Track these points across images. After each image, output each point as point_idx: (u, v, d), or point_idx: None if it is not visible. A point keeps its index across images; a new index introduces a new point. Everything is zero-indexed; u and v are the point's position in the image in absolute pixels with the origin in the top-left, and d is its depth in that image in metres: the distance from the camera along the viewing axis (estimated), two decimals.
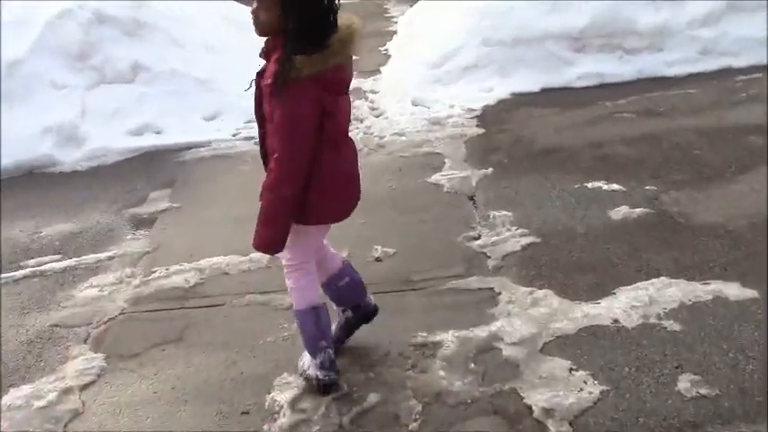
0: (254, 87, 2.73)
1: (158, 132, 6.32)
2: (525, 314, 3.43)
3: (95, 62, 6.51)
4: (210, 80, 6.71)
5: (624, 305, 3.41)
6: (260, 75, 2.68)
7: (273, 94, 2.55)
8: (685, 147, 5.16)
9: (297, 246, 2.86)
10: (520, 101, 6.51)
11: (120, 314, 3.78)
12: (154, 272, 4.14)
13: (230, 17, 7.81)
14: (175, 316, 3.71)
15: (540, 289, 3.63)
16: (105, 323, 3.71)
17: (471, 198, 4.73)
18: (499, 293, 3.64)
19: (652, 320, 3.27)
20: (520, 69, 6.77)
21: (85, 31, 6.56)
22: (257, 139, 2.87)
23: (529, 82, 6.67)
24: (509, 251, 4.03)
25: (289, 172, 2.63)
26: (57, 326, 3.72)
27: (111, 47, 6.65)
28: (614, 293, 3.52)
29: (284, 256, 2.90)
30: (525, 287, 3.67)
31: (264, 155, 2.78)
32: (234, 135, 6.30)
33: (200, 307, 3.76)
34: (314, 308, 2.95)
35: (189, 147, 6.15)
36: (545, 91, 6.65)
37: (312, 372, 2.98)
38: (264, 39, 2.63)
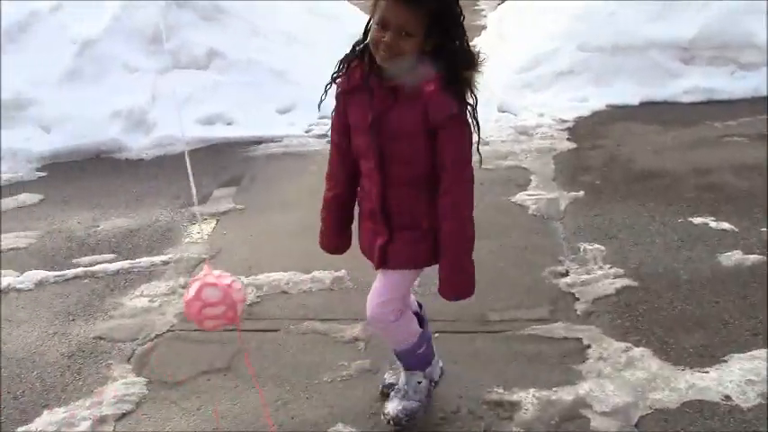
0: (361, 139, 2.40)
1: (229, 123, 6.04)
2: (619, 377, 2.98)
3: (171, 46, 6.26)
4: (287, 71, 6.38)
5: (738, 378, 2.92)
6: (379, 114, 2.31)
7: (454, 126, 2.28)
8: None
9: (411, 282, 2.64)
10: (617, 114, 5.98)
11: (168, 331, 3.48)
12: None
13: (314, 7, 7.46)
14: (226, 339, 3.38)
15: (637, 346, 3.17)
16: (152, 340, 3.42)
17: (560, 222, 4.27)
18: (588, 346, 3.20)
19: None
20: (619, 79, 6.23)
21: (163, 13, 6.31)
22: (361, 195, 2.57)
23: (628, 93, 6.12)
24: (601, 294, 3.57)
25: (472, 196, 2.40)
26: (101, 338, 3.45)
27: (188, 31, 6.40)
28: (725, 361, 3.03)
29: (394, 294, 2.56)
30: (619, 341, 3.21)
31: (385, 214, 2.43)
32: (307, 131, 5.97)
33: (254, 330, 3.43)
34: (422, 333, 2.75)
35: (260, 141, 5.85)
36: (645, 105, 6.10)
37: (431, 377, 2.85)
38: (385, 65, 2.26)
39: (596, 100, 6.11)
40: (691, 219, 4.23)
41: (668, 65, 6.24)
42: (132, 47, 6.23)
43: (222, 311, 1.57)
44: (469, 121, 2.29)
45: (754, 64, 6.19)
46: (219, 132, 5.91)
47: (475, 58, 2.23)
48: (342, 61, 2.37)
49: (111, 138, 5.83)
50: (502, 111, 6.06)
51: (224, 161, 5.52)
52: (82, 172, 5.54)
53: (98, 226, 4.62)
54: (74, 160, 5.75)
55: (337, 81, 2.37)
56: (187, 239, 4.35)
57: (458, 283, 2.45)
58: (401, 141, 2.28)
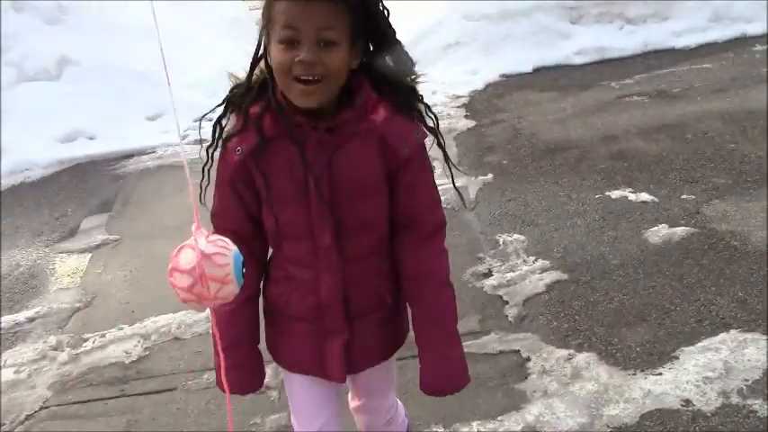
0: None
1: (92, 138, 5.38)
2: (567, 393, 2.66)
3: (13, 57, 5.49)
4: (151, 72, 5.73)
5: (694, 377, 2.65)
6: (321, 168, 1.57)
7: (421, 156, 1.63)
8: (716, 139, 4.41)
9: None
10: (511, 83, 5.69)
11: (41, 408, 2.92)
12: (86, 340, 3.27)
13: None
14: (113, 408, 2.87)
15: (580, 351, 2.86)
16: (22, 423, 2.85)
17: (473, 213, 3.93)
18: (528, 359, 2.87)
19: (734, 400, 2.52)
20: (509, 46, 5.94)
21: None
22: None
23: (520, 60, 5.84)
24: (531, 293, 3.25)
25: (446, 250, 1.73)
26: None
27: (31, 38, 5.63)
28: (677, 357, 2.76)
29: (388, 400, 2.00)
30: (560, 348, 2.90)
31: (344, 305, 1.68)
32: (183, 138, 5.38)
33: (145, 393, 2.92)
34: None
35: (130, 154, 5.22)
36: (539, 70, 5.83)
37: None
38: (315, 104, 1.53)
39: (488, 71, 5.79)
40: (608, 193, 3.97)
41: (556, 26, 6.00)
42: None
43: (189, 284, 1.13)
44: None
45: (641, 17, 6.02)
46: (82, 150, 5.25)
47: (412, 59, 1.63)
48: (227, 112, 1.60)
49: None
50: None
51: (91, 183, 4.88)
52: None
53: None
54: None
55: (232, 141, 1.56)
56: (55, 286, 3.75)
57: (450, 374, 1.74)
58: (358, 198, 1.59)
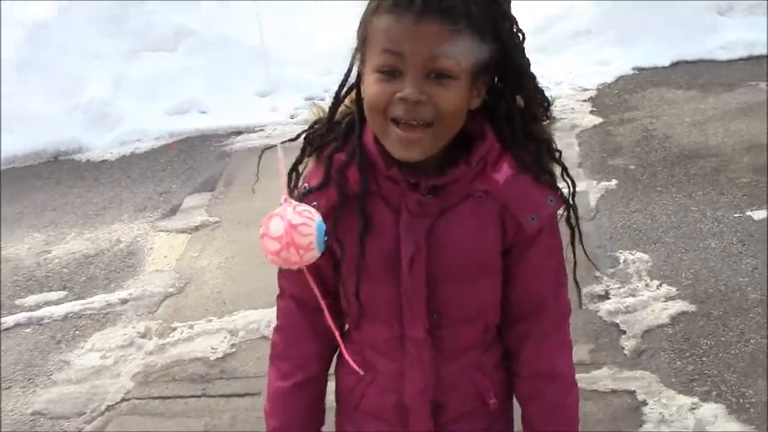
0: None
1: (203, 112, 5.32)
2: None
3: (133, 26, 5.49)
4: (266, 48, 5.61)
5: None
6: (420, 240, 1.24)
7: (552, 231, 1.30)
8: None
9: None
10: (645, 78, 5.20)
11: (123, 400, 2.84)
12: (174, 330, 3.18)
13: None
14: (192, 409, 2.76)
15: (706, 401, 2.52)
16: (102, 414, 2.78)
17: (592, 223, 3.58)
18: (644, 402, 2.55)
19: None
20: (645, 37, 5.43)
21: None
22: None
23: (657, 53, 5.33)
24: (652, 324, 2.91)
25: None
26: (40, 414, 2.82)
27: (152, 8, 5.61)
28: None
29: None
30: (682, 394, 2.57)
31: (432, 407, 1.35)
32: (292, 117, 5.24)
33: (227, 396, 2.79)
34: None
35: (238, 131, 5.11)
36: (677, 65, 5.30)
37: None
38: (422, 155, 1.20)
39: (620, 62, 5.33)
40: (749, 213, 3.52)
41: (701, 17, 5.44)
42: (89, 28, 5.47)
43: (277, 249, 1.19)
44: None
45: None
46: (192, 123, 5.19)
47: (549, 99, 1.26)
48: (304, 155, 1.30)
49: (70, 136, 5.13)
50: None
51: (197, 159, 4.81)
52: (38, 179, 4.85)
53: (50, 252, 3.95)
54: (29, 165, 5.06)
55: (309, 197, 1.26)
56: (152, 267, 3.68)
57: None
58: (464, 279, 1.26)
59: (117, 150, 5.06)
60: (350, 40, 1.27)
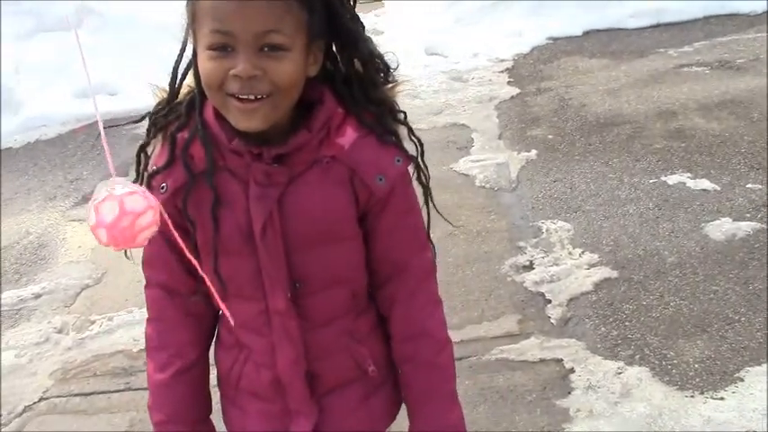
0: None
1: (113, 94, 5.10)
2: (616, 414, 2.38)
3: (29, 6, 5.20)
4: (176, 25, 5.43)
5: (761, 404, 2.34)
6: (270, 210, 1.21)
7: (404, 190, 1.28)
8: None
9: None
10: (559, 47, 5.27)
11: (41, 399, 2.72)
12: (92, 323, 3.05)
13: None
14: (116, 404, 2.66)
15: (631, 365, 2.57)
16: (20, 415, 2.65)
17: (513, 194, 3.61)
18: (572, 370, 2.59)
19: None
20: (557, 5, 5.49)
21: None
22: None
23: (569, 22, 5.41)
24: (576, 292, 2.95)
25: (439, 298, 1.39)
26: None
27: None
28: (741, 379, 2.45)
29: None
30: (608, 359, 2.61)
31: (307, 379, 1.32)
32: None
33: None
34: None
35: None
36: (590, 34, 5.40)
37: None
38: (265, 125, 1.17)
39: (534, 32, 5.38)
40: (664, 178, 3.61)
41: None
42: None
43: (152, 217, 1.10)
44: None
45: None
46: (102, 106, 4.95)
47: (387, 62, 1.25)
48: (150, 137, 1.27)
49: None
50: (430, 53, 5.29)
51: (109, 144, 4.61)
52: None
53: None
54: None
55: (156, 179, 1.24)
56: (65, 259, 3.52)
57: None
58: (321, 245, 1.24)
59: (21, 137, 4.83)
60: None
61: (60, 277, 3.37)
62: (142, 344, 2.87)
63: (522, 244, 3.26)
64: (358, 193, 1.23)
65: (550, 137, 4.14)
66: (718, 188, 3.47)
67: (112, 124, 1.50)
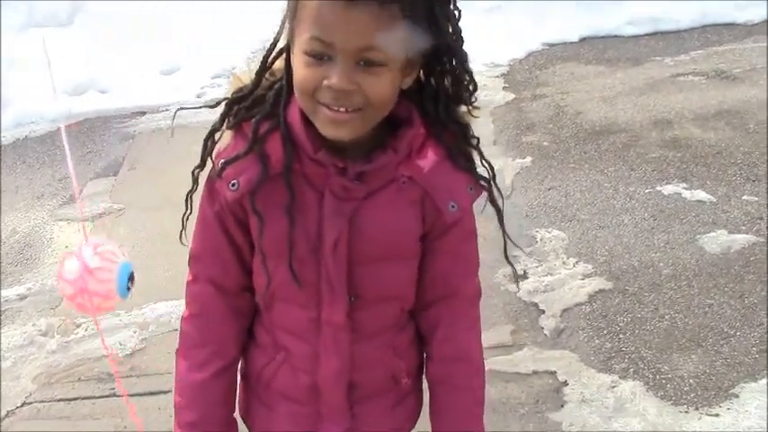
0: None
1: (103, 92, 5.04)
2: (611, 430, 2.35)
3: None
4: (169, 23, 5.37)
5: (757, 421, 2.33)
6: (344, 223, 1.20)
7: (469, 218, 1.29)
8: None
9: None
10: (555, 54, 5.23)
11: (24, 404, 2.66)
12: (78, 326, 2.99)
13: None
14: (101, 410, 2.61)
15: (625, 379, 2.55)
16: (1, 420, 2.60)
17: (508, 202, 3.56)
18: (565, 383, 2.56)
19: None
20: (554, 11, 5.46)
21: None
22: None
23: (566, 28, 5.37)
24: (570, 303, 2.93)
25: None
26: None
27: None
28: (736, 396, 2.43)
29: None
30: (602, 373, 2.59)
31: (347, 388, 1.33)
32: (198, 96, 5.03)
33: (138, 395, 2.64)
34: None
35: (142, 111, 4.86)
36: (586, 40, 5.35)
37: None
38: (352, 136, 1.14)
39: (531, 38, 5.34)
40: (660, 188, 3.59)
41: None
42: None
43: (72, 294, 1.11)
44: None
45: None
46: (92, 104, 4.91)
47: (476, 82, 1.20)
48: (223, 123, 1.20)
49: None
50: None
51: (98, 142, 4.55)
52: None
53: None
54: None
55: (224, 174, 1.18)
56: (52, 259, 3.46)
57: None
58: (384, 263, 1.23)
59: (10, 134, 4.74)
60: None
61: (46, 278, 3.30)
62: (128, 349, 2.85)
63: (515, 253, 3.22)
64: (426, 214, 1.23)
65: (545, 143, 4.11)
66: (714, 199, 3.45)
67: (184, 107, 1.46)
